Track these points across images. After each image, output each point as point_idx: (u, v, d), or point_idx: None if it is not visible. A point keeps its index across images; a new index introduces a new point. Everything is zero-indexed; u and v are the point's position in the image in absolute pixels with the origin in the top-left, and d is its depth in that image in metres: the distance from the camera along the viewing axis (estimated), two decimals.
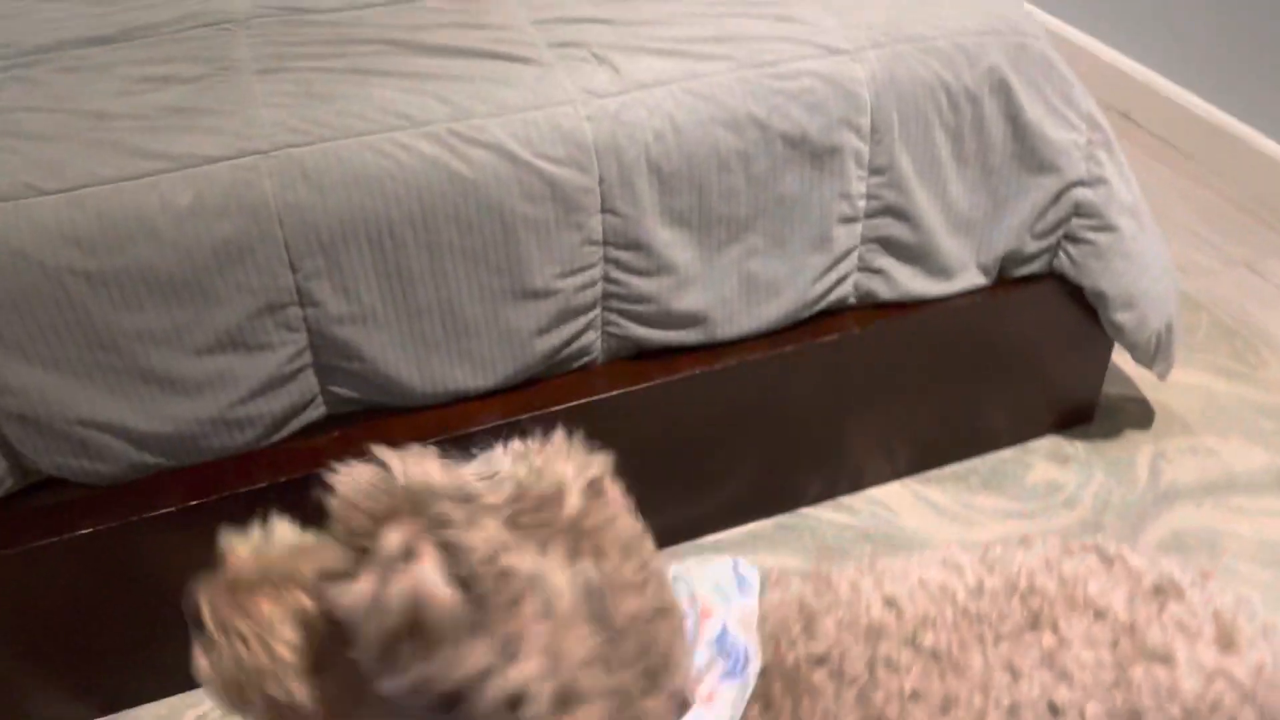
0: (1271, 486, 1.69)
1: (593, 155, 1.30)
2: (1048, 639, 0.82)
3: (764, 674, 0.80)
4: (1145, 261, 1.54)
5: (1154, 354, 1.63)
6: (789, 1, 1.48)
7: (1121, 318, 1.56)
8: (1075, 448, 1.76)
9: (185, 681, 1.42)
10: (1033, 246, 1.55)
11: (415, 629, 0.63)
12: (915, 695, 0.80)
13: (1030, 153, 1.48)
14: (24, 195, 1.18)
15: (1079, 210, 1.52)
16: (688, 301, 1.42)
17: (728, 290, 1.44)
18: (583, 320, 1.40)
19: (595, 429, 1.44)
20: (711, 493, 1.60)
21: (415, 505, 0.65)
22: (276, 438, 1.35)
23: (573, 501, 0.69)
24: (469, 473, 0.70)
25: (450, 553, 0.63)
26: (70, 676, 1.39)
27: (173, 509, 1.29)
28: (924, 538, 1.61)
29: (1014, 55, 1.44)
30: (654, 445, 1.51)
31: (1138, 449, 1.75)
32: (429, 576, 0.63)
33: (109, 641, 1.38)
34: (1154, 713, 0.81)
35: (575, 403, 1.43)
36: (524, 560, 0.65)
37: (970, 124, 1.45)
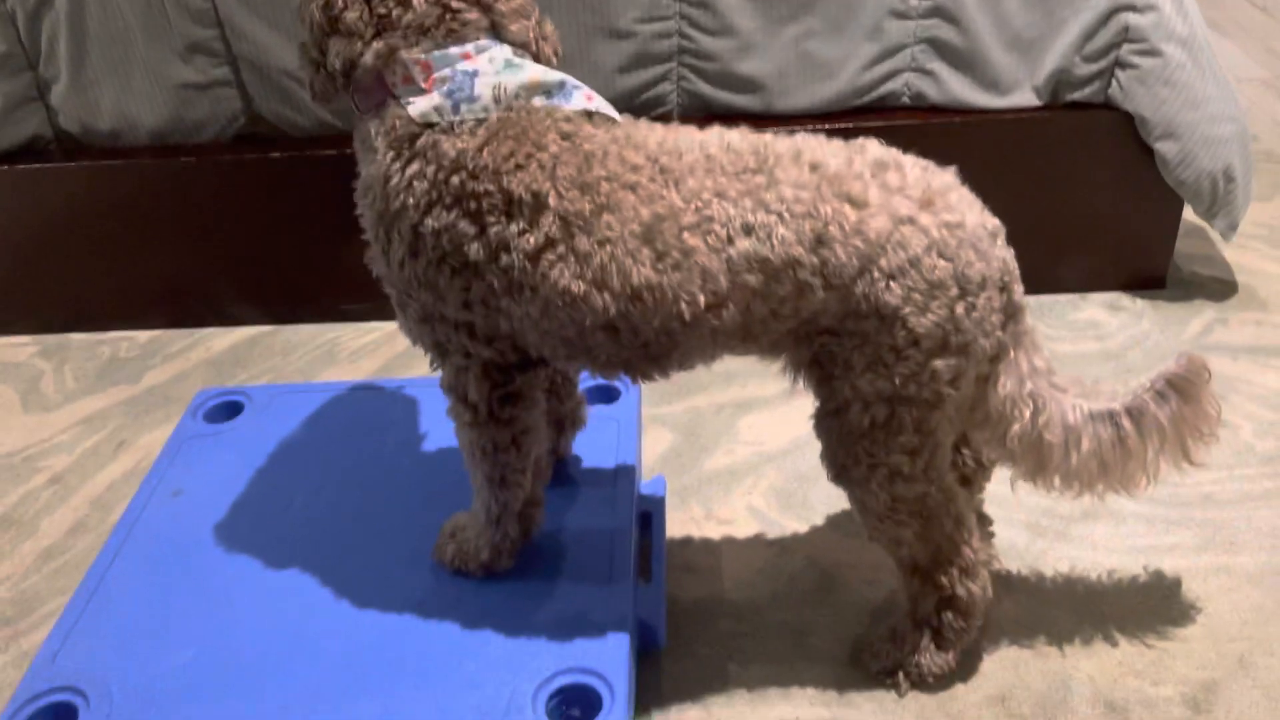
0: None
1: None
2: (759, 179, 1.01)
3: (505, 123, 1.00)
4: (1194, 96, 1.60)
5: (1211, 204, 1.66)
6: None
7: (1162, 147, 1.62)
8: (1135, 303, 1.81)
9: (330, 314, 1.92)
10: (1083, 69, 1.65)
11: None
12: (632, 186, 1.01)
13: None
14: None
15: (1129, 35, 1.61)
16: (749, 66, 1.69)
17: (785, 64, 1.69)
18: (659, 69, 1.72)
19: None
20: None
21: None
22: None
23: None
24: None
25: None
26: (251, 287, 1.91)
27: (335, 153, 1.77)
28: None
29: None
30: None
31: (1198, 313, 1.77)
32: None
33: (282, 263, 1.88)
34: (839, 242, 1.00)
35: None
36: None
37: None
